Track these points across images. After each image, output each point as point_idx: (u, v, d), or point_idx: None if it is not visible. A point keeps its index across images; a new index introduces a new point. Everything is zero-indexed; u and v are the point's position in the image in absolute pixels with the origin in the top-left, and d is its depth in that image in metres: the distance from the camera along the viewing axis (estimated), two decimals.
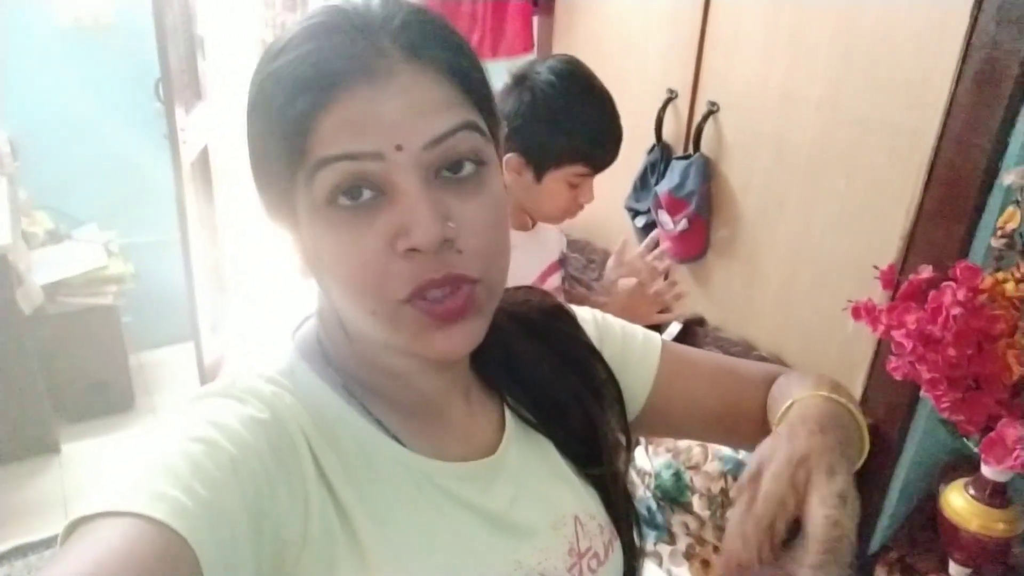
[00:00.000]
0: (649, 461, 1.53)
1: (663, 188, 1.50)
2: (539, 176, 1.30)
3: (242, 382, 0.52)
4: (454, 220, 0.48)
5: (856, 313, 1.03)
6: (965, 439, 1.04)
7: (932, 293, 0.95)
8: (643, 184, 1.62)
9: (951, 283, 0.94)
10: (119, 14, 2.72)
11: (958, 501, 1.03)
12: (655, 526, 1.53)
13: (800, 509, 0.51)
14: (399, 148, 0.47)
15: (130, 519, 0.39)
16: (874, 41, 1.16)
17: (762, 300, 1.45)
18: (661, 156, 1.56)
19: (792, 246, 1.36)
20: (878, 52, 1.16)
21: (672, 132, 1.57)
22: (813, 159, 1.29)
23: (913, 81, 1.12)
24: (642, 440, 1.50)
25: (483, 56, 0.68)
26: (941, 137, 1.05)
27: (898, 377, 0.98)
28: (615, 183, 1.54)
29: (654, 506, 1.52)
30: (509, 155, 1.28)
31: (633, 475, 1.50)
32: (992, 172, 1.01)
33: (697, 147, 1.48)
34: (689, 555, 1.50)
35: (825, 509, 0.49)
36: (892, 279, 1.10)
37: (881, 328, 1.00)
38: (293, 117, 0.47)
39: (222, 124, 2.74)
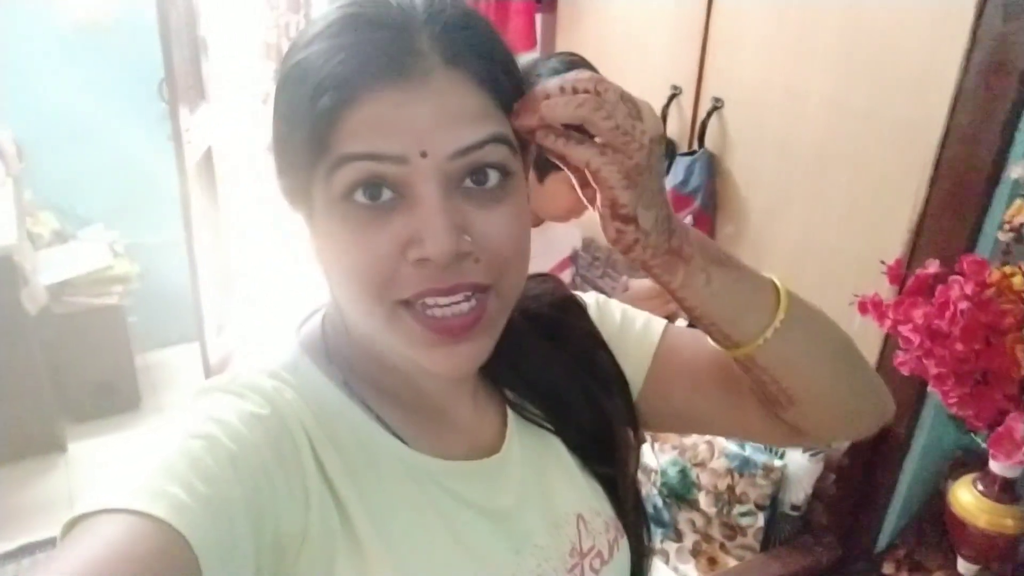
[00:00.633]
0: (655, 458, 1.53)
1: (668, 184, 1.49)
2: (541, 177, 1.30)
3: (244, 377, 0.52)
4: (473, 232, 0.47)
5: (863, 308, 1.03)
6: (973, 434, 1.03)
7: (939, 287, 0.95)
8: None
9: (958, 277, 0.93)
10: (123, 15, 2.72)
11: (966, 497, 1.02)
12: (661, 523, 1.52)
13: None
14: (424, 155, 0.45)
15: (129, 516, 0.39)
16: (879, 35, 1.16)
17: None
18: (665, 153, 1.56)
19: (798, 241, 1.36)
20: (883, 46, 1.15)
21: (676, 129, 1.56)
22: (818, 154, 1.29)
23: (918, 75, 1.11)
24: (648, 437, 1.50)
25: None
26: (947, 131, 1.04)
27: (905, 372, 0.98)
28: None
29: (660, 503, 1.52)
30: None
31: (639, 472, 1.50)
32: (998, 166, 1.01)
33: (701, 143, 1.47)
34: (696, 552, 1.50)
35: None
36: (899, 274, 1.09)
37: (888, 323, 0.99)
38: (320, 110, 0.46)
39: (226, 125, 2.74)
